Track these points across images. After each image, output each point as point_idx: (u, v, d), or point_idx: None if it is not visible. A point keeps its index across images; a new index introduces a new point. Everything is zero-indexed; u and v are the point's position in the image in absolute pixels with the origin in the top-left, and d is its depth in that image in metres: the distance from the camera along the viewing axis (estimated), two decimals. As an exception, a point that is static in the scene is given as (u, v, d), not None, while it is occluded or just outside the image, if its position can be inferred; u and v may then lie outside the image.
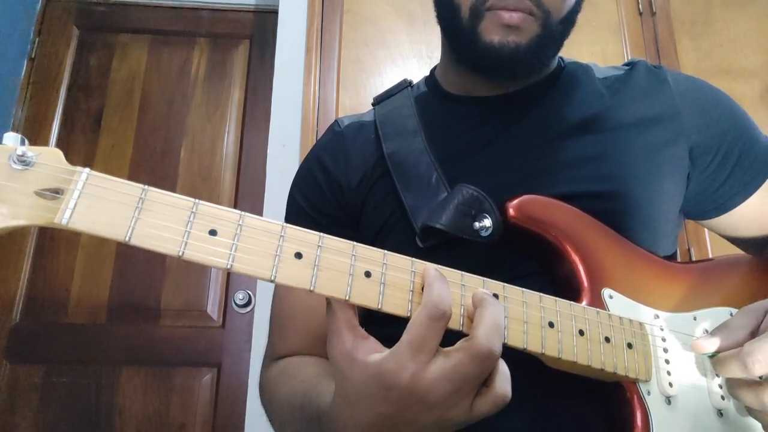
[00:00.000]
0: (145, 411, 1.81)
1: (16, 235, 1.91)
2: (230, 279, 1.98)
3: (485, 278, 0.50)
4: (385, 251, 0.47)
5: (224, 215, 0.43)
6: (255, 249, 0.43)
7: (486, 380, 0.45)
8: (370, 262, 0.46)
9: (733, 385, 0.55)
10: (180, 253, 0.40)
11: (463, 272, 0.49)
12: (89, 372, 1.83)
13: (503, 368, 0.46)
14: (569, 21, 0.67)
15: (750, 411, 0.55)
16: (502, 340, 0.45)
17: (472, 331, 0.44)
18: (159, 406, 1.82)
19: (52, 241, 1.93)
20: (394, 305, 0.46)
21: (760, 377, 0.51)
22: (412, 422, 0.44)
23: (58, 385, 1.80)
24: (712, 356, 0.56)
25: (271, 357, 0.72)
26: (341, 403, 0.47)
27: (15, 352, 1.83)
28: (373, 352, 0.44)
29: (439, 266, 0.48)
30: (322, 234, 0.45)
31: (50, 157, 0.40)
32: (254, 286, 1.85)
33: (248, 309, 1.93)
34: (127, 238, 0.39)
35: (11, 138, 0.38)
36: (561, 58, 0.77)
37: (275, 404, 0.65)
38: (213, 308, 1.94)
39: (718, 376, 0.58)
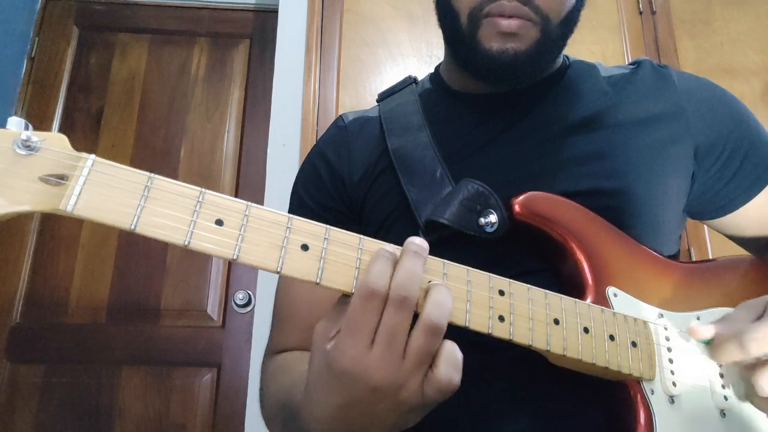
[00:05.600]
0: (145, 411, 1.80)
1: (16, 233, 1.91)
2: (230, 279, 1.97)
3: (491, 274, 0.50)
4: (393, 245, 0.46)
5: (231, 205, 0.43)
6: (261, 240, 0.42)
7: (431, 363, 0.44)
8: (377, 255, 0.46)
9: (733, 374, 0.54)
10: (186, 243, 0.40)
11: (469, 268, 0.49)
12: (89, 372, 1.82)
13: (450, 350, 0.44)
14: (570, 21, 0.67)
15: (752, 400, 0.55)
16: (447, 316, 0.44)
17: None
18: (159, 406, 1.81)
19: (53, 240, 1.93)
20: None
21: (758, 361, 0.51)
22: (368, 413, 0.44)
23: (58, 385, 1.80)
24: (708, 343, 0.56)
25: (272, 351, 0.71)
26: (306, 398, 0.47)
27: (15, 351, 1.82)
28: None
29: (438, 258, 0.48)
30: (328, 226, 0.45)
31: (55, 142, 0.39)
32: (254, 286, 1.85)
33: (248, 309, 1.93)
34: (132, 226, 0.39)
35: (15, 123, 0.37)
36: (566, 56, 0.77)
37: (265, 399, 0.65)
38: (213, 308, 1.93)
39: (719, 366, 0.58)
